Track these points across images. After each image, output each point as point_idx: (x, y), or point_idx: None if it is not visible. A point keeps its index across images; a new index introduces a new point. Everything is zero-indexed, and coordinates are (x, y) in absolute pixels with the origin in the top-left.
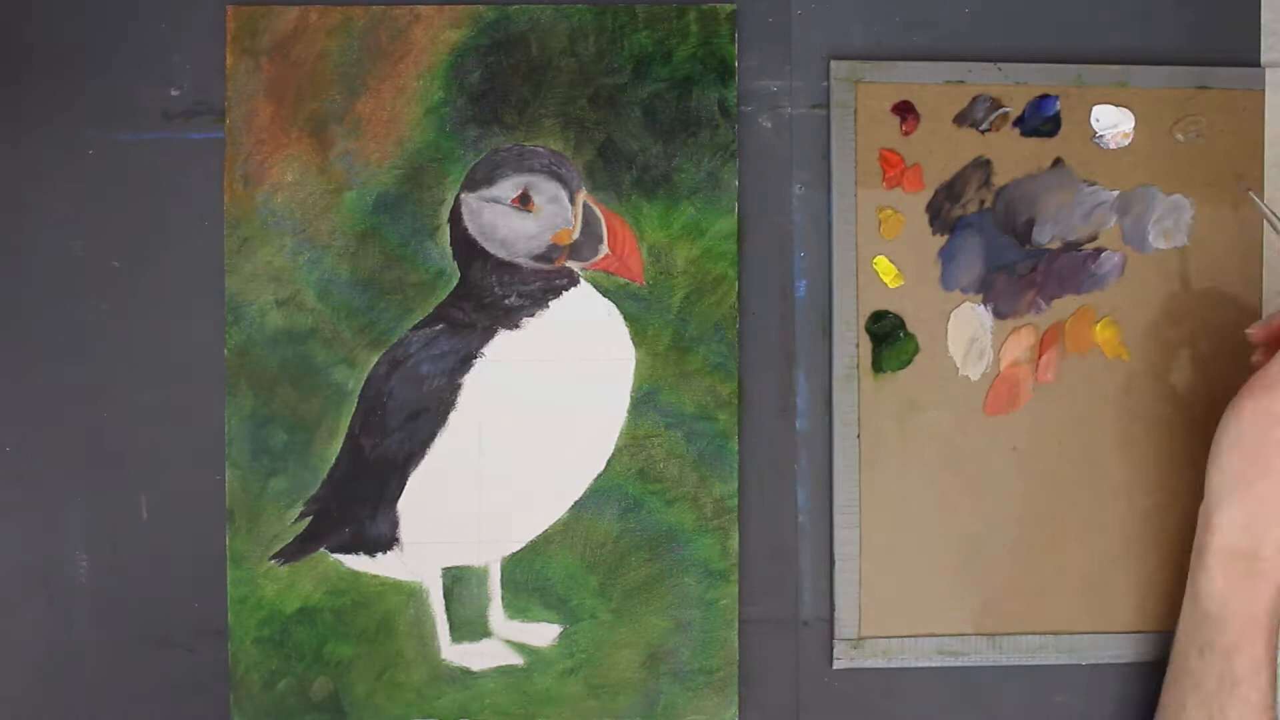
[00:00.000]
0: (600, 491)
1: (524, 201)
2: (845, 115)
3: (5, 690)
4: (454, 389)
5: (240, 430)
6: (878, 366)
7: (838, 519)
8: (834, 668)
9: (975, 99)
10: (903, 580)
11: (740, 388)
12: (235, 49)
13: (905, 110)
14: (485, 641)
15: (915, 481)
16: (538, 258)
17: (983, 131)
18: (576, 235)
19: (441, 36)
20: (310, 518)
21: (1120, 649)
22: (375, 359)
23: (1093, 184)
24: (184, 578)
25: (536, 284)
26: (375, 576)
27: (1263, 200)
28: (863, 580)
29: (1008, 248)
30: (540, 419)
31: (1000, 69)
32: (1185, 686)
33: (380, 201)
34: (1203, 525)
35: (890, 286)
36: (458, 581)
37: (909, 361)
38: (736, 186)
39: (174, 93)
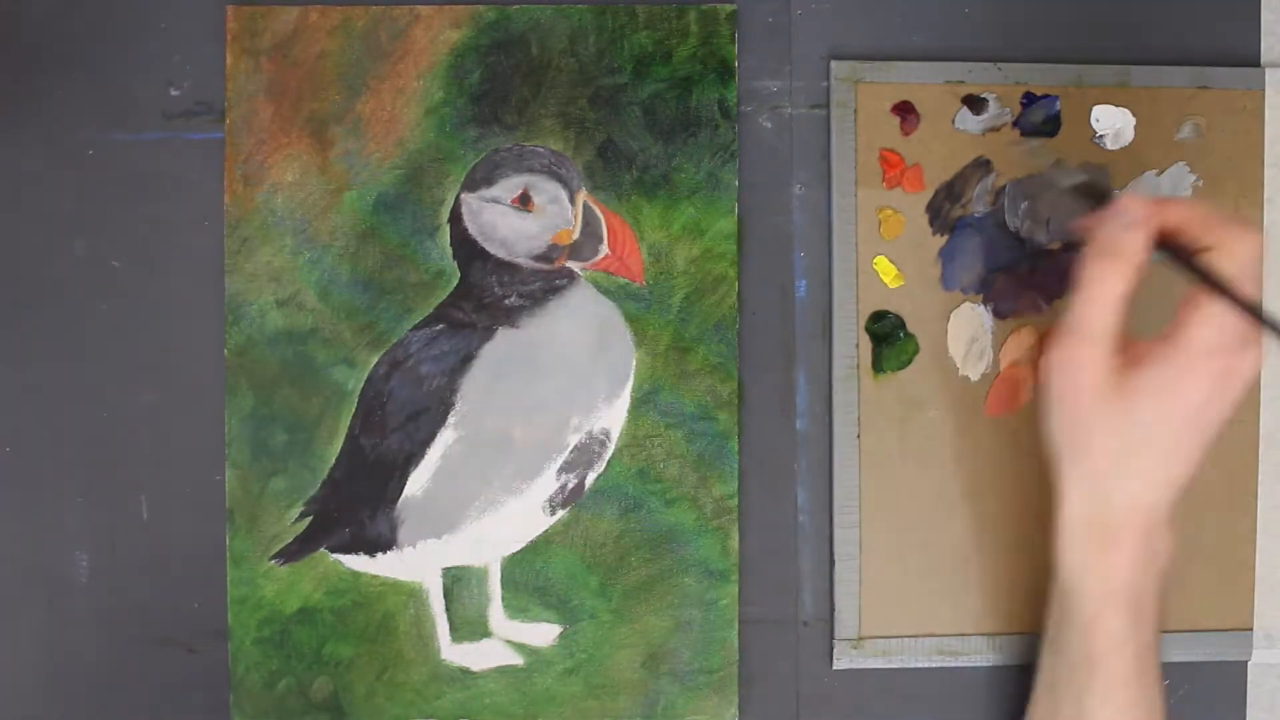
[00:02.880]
0: (600, 491)
1: (524, 201)
2: (845, 115)
3: (5, 690)
4: (454, 389)
5: (240, 430)
6: (878, 366)
7: (838, 519)
8: (834, 668)
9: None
10: (903, 580)
11: (740, 388)
12: (235, 49)
13: (905, 110)
14: (485, 641)
15: (915, 481)
16: (538, 258)
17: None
18: (576, 235)
19: (441, 36)
20: (310, 518)
21: None
22: (375, 359)
23: None
24: (184, 578)
25: (536, 284)
26: (375, 576)
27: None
28: (863, 580)
29: (1008, 248)
30: (540, 419)
31: (1000, 69)
32: (1053, 659)
33: (380, 201)
34: (1056, 495)
35: (890, 286)
36: (458, 581)
37: (909, 361)
38: (736, 186)
39: (174, 93)
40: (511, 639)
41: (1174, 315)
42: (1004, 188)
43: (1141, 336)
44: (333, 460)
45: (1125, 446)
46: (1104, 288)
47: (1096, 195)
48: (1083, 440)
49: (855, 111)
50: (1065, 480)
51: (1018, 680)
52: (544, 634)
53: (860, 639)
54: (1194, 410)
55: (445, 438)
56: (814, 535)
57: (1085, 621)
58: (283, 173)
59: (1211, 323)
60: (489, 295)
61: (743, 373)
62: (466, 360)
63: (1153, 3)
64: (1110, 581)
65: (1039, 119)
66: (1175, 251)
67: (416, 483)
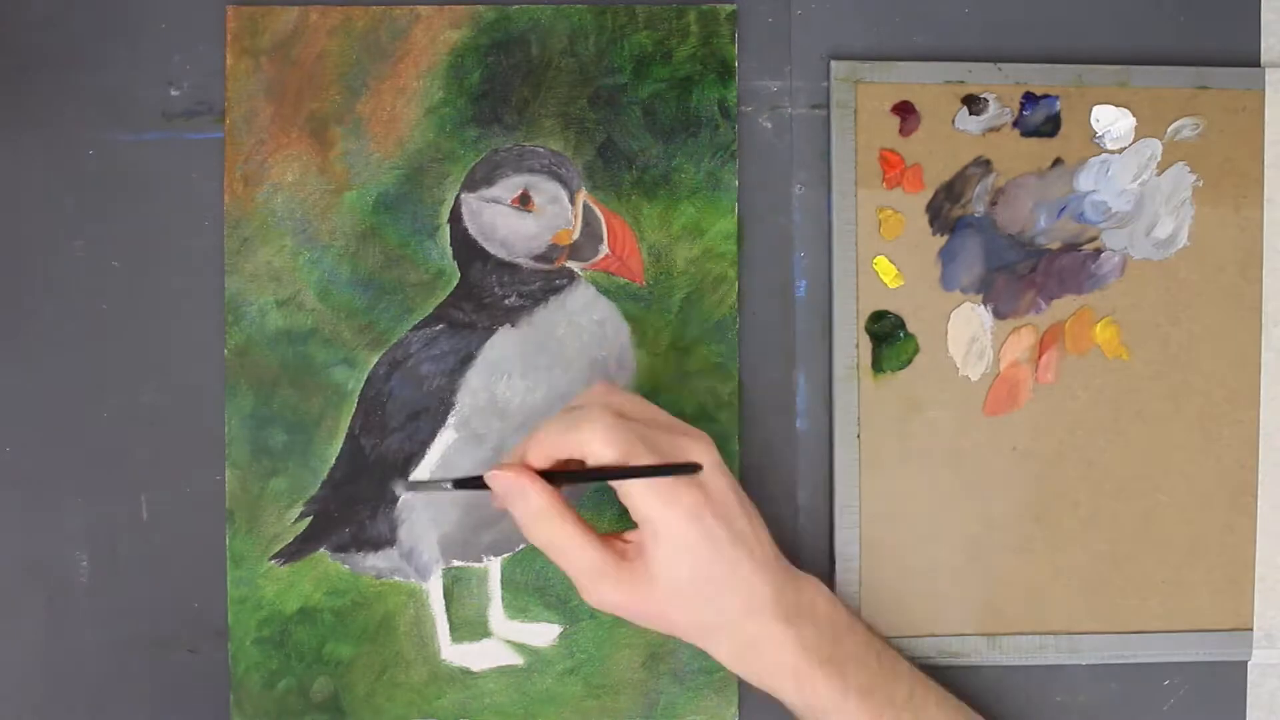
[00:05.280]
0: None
1: (524, 202)
2: (845, 115)
3: (5, 690)
4: (454, 389)
5: (240, 430)
6: (878, 366)
7: (838, 519)
8: None
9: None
10: (903, 580)
11: (740, 388)
12: (235, 49)
13: (905, 110)
14: (485, 641)
15: (915, 481)
16: (538, 258)
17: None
18: (576, 235)
19: (441, 36)
20: (310, 518)
21: (1120, 649)
22: (375, 359)
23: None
24: (184, 578)
25: (537, 284)
26: (375, 577)
27: None
28: (863, 580)
29: (1008, 248)
30: (540, 419)
31: (1000, 69)
32: None
33: (380, 201)
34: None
35: (890, 286)
36: (458, 581)
37: (909, 361)
38: (736, 186)
39: (174, 93)
40: (511, 639)
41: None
42: (1004, 188)
43: None
44: (333, 460)
45: (694, 606)
46: (557, 539)
47: (475, 484)
48: (673, 628)
49: (855, 111)
50: (706, 647)
51: (1017, 680)
52: (544, 634)
53: None
54: (700, 553)
55: (445, 438)
56: (814, 535)
57: (795, 701)
58: (283, 173)
59: (644, 491)
60: (489, 295)
61: (743, 373)
62: (466, 360)
63: (1153, 3)
64: (785, 661)
65: (1039, 119)
66: (568, 477)
67: None
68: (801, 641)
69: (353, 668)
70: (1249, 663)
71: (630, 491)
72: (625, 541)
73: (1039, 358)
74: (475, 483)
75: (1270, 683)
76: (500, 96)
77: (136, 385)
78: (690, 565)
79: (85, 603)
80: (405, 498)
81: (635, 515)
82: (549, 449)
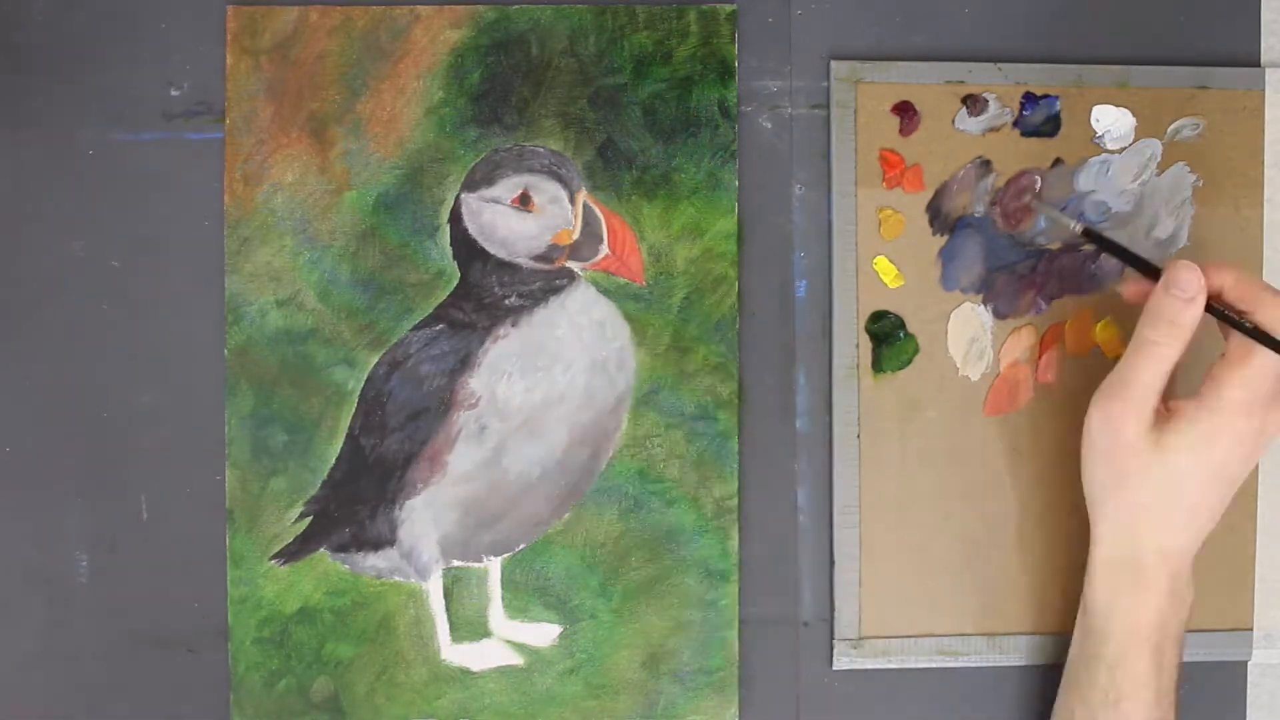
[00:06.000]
0: (600, 491)
1: (524, 202)
2: (845, 115)
3: (4, 691)
4: (454, 389)
5: (240, 430)
6: (878, 366)
7: (838, 519)
8: (834, 668)
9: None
10: (903, 580)
11: (740, 388)
12: (235, 49)
13: (905, 110)
14: (485, 641)
15: (915, 481)
16: (538, 258)
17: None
18: (576, 235)
19: (441, 36)
20: (310, 518)
21: None
22: (375, 359)
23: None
24: (184, 578)
25: (536, 284)
26: (375, 577)
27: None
28: (863, 580)
29: (1008, 248)
30: (540, 419)
31: (1000, 69)
32: (1073, 698)
33: (380, 201)
34: (1091, 537)
35: (890, 286)
36: (458, 581)
37: (909, 361)
38: (736, 186)
39: (174, 93)
40: (511, 639)
41: (1206, 376)
42: (1004, 188)
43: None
44: (333, 460)
45: (1159, 499)
46: (1160, 352)
47: (1137, 263)
48: (1118, 491)
49: (855, 111)
50: (1099, 524)
51: (1017, 680)
52: (544, 634)
53: (860, 639)
54: (1224, 467)
55: (445, 438)
56: (814, 535)
57: (1110, 662)
58: (283, 173)
59: (1245, 384)
60: (489, 295)
61: (743, 373)
62: (466, 360)
63: (1153, 3)
64: (1137, 623)
65: (1039, 119)
66: (1219, 312)
67: (417, 483)
68: (1180, 620)
69: (352, 668)
70: (1249, 663)
71: (1233, 366)
72: (1172, 405)
73: (1039, 358)
74: (1137, 261)
75: (1270, 683)
76: (500, 96)
77: (136, 385)
78: (1202, 466)
79: (85, 603)
80: (407, 493)
81: (1214, 394)
82: (1236, 283)
